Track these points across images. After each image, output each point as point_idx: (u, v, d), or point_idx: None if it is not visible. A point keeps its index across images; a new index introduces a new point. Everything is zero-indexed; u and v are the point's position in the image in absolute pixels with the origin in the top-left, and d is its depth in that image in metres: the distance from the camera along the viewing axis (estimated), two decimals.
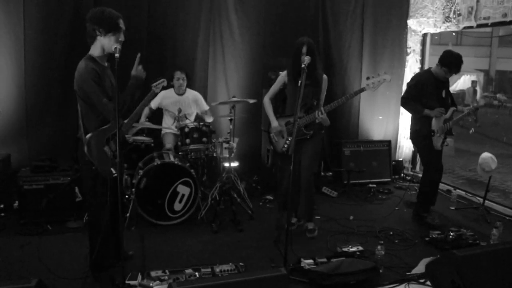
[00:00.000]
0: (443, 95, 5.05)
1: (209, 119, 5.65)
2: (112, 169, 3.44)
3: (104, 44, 3.47)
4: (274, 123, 4.67)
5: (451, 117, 5.00)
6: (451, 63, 4.93)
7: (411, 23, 7.18)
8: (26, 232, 4.61)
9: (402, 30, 7.25)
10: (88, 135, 3.42)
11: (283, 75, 4.71)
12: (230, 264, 3.78)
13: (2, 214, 5.06)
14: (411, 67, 7.28)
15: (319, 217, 5.18)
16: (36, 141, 5.81)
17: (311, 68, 4.19)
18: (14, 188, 5.05)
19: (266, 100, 4.77)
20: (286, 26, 6.68)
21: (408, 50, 7.31)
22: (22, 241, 4.39)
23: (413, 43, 7.26)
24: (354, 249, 4.17)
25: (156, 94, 4.01)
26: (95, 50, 3.52)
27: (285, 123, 4.61)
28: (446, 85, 5.11)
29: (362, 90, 4.33)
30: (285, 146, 4.58)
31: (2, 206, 5.12)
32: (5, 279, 3.63)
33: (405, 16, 7.23)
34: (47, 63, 5.81)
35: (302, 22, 6.77)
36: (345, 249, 4.16)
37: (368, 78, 4.30)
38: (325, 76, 4.57)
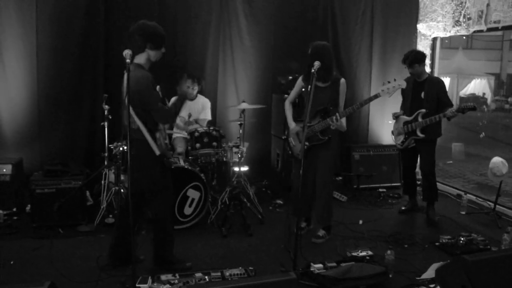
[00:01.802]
0: (422, 96, 5.13)
1: (200, 126, 5.58)
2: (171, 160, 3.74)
3: (151, 55, 3.71)
4: (292, 126, 4.72)
5: (415, 118, 5.08)
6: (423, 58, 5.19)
7: (420, 27, 7.17)
8: (38, 236, 4.66)
9: (411, 34, 7.23)
10: (157, 134, 3.73)
11: (300, 79, 4.73)
12: (240, 268, 3.78)
13: (15, 218, 5.11)
14: None
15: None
16: (48, 145, 5.87)
17: (327, 71, 4.27)
18: (27, 192, 5.12)
19: (287, 103, 4.84)
20: (295, 31, 6.72)
21: None
22: (34, 244, 4.44)
23: (422, 47, 7.24)
24: (363, 253, 4.15)
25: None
26: (141, 59, 3.69)
27: (303, 127, 4.61)
28: (425, 85, 5.16)
29: (377, 96, 4.34)
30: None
31: (14, 209, 5.17)
32: (18, 282, 3.66)
33: (415, 20, 7.22)
34: (59, 68, 5.88)
35: (311, 27, 6.80)
36: (354, 254, 4.15)
37: (383, 84, 4.32)
38: (342, 80, 4.53)
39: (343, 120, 4.45)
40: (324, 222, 4.73)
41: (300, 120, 4.72)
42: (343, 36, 6.94)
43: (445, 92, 5.23)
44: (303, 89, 4.72)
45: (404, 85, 4.28)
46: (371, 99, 4.45)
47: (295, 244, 3.67)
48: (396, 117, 5.42)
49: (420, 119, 5.05)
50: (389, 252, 3.97)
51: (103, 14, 5.96)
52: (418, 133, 5.08)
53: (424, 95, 5.12)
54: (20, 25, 5.68)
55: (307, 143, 4.50)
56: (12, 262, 4.05)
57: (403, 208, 5.69)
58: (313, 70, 3.92)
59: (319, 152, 4.55)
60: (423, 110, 5.04)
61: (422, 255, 4.34)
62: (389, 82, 4.28)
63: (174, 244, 4.00)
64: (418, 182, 5.80)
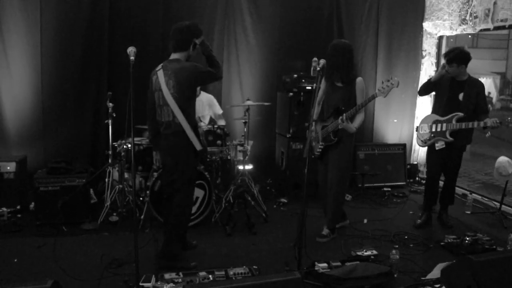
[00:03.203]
0: (460, 97, 4.81)
1: (221, 123, 5.67)
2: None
3: (191, 53, 3.97)
4: (312, 127, 4.71)
5: (450, 120, 4.77)
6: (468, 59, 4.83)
7: (426, 25, 7.13)
8: (41, 233, 4.66)
9: (417, 33, 7.19)
10: (199, 130, 3.92)
11: (323, 79, 4.71)
12: (244, 267, 3.76)
13: (19, 215, 5.11)
14: (426, 70, 7.23)
15: (347, 222, 5.05)
16: (52, 143, 5.88)
17: (344, 71, 4.38)
18: (30, 190, 5.14)
19: (314, 104, 4.80)
20: (300, 29, 6.69)
21: (424, 53, 7.26)
22: (38, 242, 4.44)
23: (428, 46, 7.21)
24: (368, 253, 4.14)
25: None
26: (181, 57, 3.90)
27: (321, 127, 4.63)
28: (465, 87, 4.83)
29: (374, 96, 4.30)
30: (319, 150, 4.63)
31: (18, 207, 5.17)
32: (21, 280, 3.66)
33: (421, 18, 7.18)
34: (63, 66, 5.89)
35: (316, 25, 6.77)
36: (359, 253, 4.13)
37: (382, 83, 4.25)
38: (359, 79, 4.47)
39: (359, 120, 4.43)
40: (328, 223, 4.72)
41: (319, 120, 4.74)
42: (349, 34, 6.89)
43: (485, 96, 4.92)
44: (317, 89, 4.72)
45: (396, 84, 4.11)
46: (370, 99, 4.34)
47: (300, 243, 3.66)
48: None
49: (454, 122, 4.74)
50: (394, 251, 3.94)
51: (107, 13, 5.95)
52: (447, 135, 4.78)
53: (462, 97, 4.80)
54: (24, 24, 5.69)
55: (323, 143, 4.57)
56: (15, 260, 4.05)
57: (419, 221, 5.15)
58: (318, 69, 3.91)
59: (331, 153, 4.57)
60: (461, 114, 4.72)
61: (427, 255, 4.31)
62: (388, 80, 4.18)
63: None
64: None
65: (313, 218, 5.08)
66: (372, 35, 7.07)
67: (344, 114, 4.33)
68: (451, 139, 4.77)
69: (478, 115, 4.74)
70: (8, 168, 5.16)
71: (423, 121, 5.12)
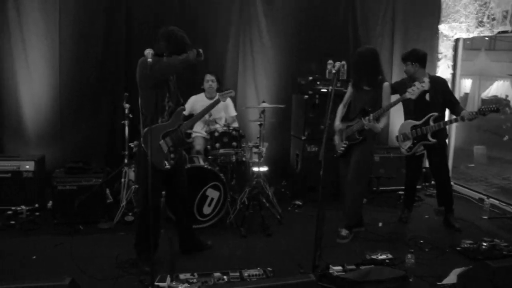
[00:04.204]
0: (427, 98, 4.86)
1: (234, 125, 5.66)
2: (165, 161, 3.73)
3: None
4: (336, 122, 4.86)
5: (426, 122, 4.84)
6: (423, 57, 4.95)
7: (442, 28, 7.08)
8: (59, 232, 4.73)
9: (433, 35, 7.15)
10: (146, 129, 3.75)
11: (350, 84, 4.87)
12: (259, 268, 3.77)
13: (37, 213, 5.17)
14: (443, 73, 7.17)
15: (363, 229, 4.97)
16: (69, 142, 5.95)
17: (371, 76, 4.52)
18: (49, 189, 5.19)
19: (340, 107, 4.93)
20: (316, 32, 6.69)
21: (440, 56, 7.21)
22: (55, 240, 4.51)
23: (444, 48, 7.16)
24: (383, 256, 4.12)
25: (218, 102, 4.33)
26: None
27: (346, 127, 4.75)
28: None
29: (403, 98, 4.44)
30: (342, 148, 4.73)
31: (37, 205, 5.24)
32: (40, 277, 3.71)
33: (437, 21, 7.13)
34: (81, 66, 5.96)
35: (332, 28, 6.77)
36: (374, 257, 4.12)
37: (413, 85, 4.35)
38: (386, 83, 4.59)
39: (384, 121, 4.58)
40: (348, 221, 4.74)
41: (344, 120, 4.83)
42: (364, 36, 6.88)
43: (450, 90, 5.08)
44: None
45: (427, 86, 4.28)
46: (399, 100, 4.53)
47: (315, 245, 3.66)
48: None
49: (431, 123, 4.81)
50: (409, 255, 3.93)
51: (124, 14, 6.01)
52: (429, 138, 4.84)
53: (429, 97, 4.87)
54: (44, 25, 5.78)
55: (346, 142, 4.69)
56: (34, 257, 4.12)
57: (402, 218, 5.36)
58: (334, 71, 4.01)
59: (354, 152, 4.65)
60: (435, 114, 4.80)
61: (443, 260, 4.27)
62: (413, 84, 4.31)
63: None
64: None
65: (329, 221, 5.07)
66: (388, 38, 7.04)
67: (372, 114, 4.44)
68: (434, 140, 4.84)
69: (454, 110, 4.89)
70: (27, 167, 5.24)
71: (401, 130, 5.15)
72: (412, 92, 4.32)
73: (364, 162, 4.65)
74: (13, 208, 5.08)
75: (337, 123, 4.86)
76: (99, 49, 5.99)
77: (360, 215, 4.85)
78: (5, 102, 5.79)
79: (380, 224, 5.21)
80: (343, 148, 4.72)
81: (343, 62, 5.74)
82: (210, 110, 4.43)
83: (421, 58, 4.95)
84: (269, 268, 3.80)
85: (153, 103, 3.73)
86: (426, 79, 4.36)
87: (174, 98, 3.89)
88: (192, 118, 4.19)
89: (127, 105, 5.18)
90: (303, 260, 4.04)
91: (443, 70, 7.18)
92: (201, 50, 3.95)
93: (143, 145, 3.75)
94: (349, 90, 4.86)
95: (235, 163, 5.35)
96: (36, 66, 5.82)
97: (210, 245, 4.39)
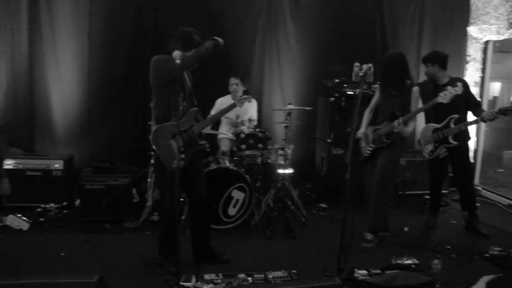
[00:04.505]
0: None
1: (249, 126, 5.65)
2: (174, 161, 3.56)
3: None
4: (361, 129, 4.82)
5: (447, 125, 4.77)
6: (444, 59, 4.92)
7: (471, 30, 6.97)
8: (86, 230, 4.81)
9: (462, 37, 7.04)
10: (155, 127, 3.72)
11: (378, 88, 4.86)
12: (283, 271, 3.77)
13: (65, 211, 5.27)
14: (471, 76, 7.06)
15: (388, 233, 4.88)
16: (97, 142, 6.06)
17: (399, 80, 4.49)
18: (77, 187, 5.31)
19: (367, 111, 4.91)
20: (342, 34, 6.67)
21: (468, 58, 7.10)
22: (82, 238, 4.59)
23: (473, 51, 7.04)
24: (409, 261, 4.05)
25: (234, 107, 4.24)
26: None
27: (372, 130, 4.72)
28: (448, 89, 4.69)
29: (434, 102, 4.37)
30: (368, 152, 4.71)
31: (65, 203, 5.35)
32: (68, 273, 3.79)
33: (466, 23, 7.02)
34: (109, 67, 6.06)
35: (359, 30, 6.73)
36: (399, 261, 4.06)
37: (446, 89, 4.31)
38: (415, 88, 4.57)
39: (411, 125, 4.53)
40: (372, 225, 4.70)
41: (372, 124, 4.81)
42: (391, 38, 6.82)
43: (471, 92, 5.00)
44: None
45: (460, 91, 4.23)
46: (429, 105, 4.45)
47: (343, 249, 3.63)
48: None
49: (452, 125, 4.74)
50: (436, 261, 3.87)
51: (152, 17, 6.09)
52: (451, 140, 4.78)
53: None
54: (74, 26, 5.91)
55: (373, 145, 4.66)
56: (62, 254, 4.20)
57: (428, 223, 5.31)
58: (361, 74, 3.98)
59: (381, 155, 4.62)
60: (456, 116, 4.73)
61: (471, 267, 4.19)
62: (446, 88, 4.27)
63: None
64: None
65: (355, 224, 5.03)
66: (415, 40, 6.96)
67: (401, 118, 4.40)
68: (455, 143, 4.78)
69: (475, 112, 4.81)
70: (56, 165, 5.35)
71: (422, 134, 5.08)
72: (444, 97, 4.26)
73: (391, 165, 4.61)
74: (42, 205, 5.18)
75: (362, 130, 4.81)
76: (127, 50, 6.09)
77: (386, 219, 4.80)
78: (36, 102, 5.94)
79: (406, 229, 5.15)
80: (369, 151, 4.69)
81: (370, 65, 5.71)
82: (225, 114, 4.44)
83: (441, 60, 4.90)
84: (293, 271, 3.79)
85: (166, 103, 3.72)
86: (459, 84, 4.30)
87: (188, 98, 3.87)
88: (206, 120, 4.11)
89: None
90: (328, 263, 4.02)
91: (472, 73, 7.07)
92: (219, 39, 3.97)
93: (152, 144, 3.75)
94: (376, 95, 4.84)
95: (260, 165, 5.35)
96: (66, 67, 5.94)
97: (229, 259, 4.16)
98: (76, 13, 5.90)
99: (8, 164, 5.29)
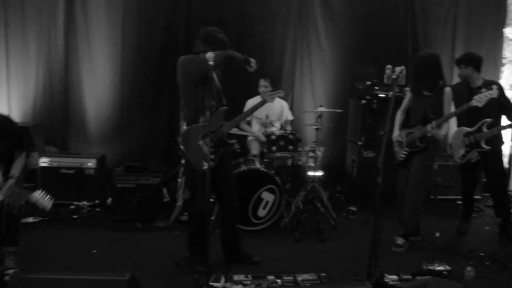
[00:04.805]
0: None
1: (288, 129, 5.63)
2: (204, 163, 3.57)
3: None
4: (394, 133, 4.74)
5: (479, 129, 4.62)
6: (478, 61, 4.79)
7: (508, 31, 6.81)
8: (117, 228, 4.89)
9: (497, 39, 6.88)
10: (184, 129, 3.75)
11: (409, 89, 4.77)
12: (312, 274, 3.74)
13: (97, 209, 5.37)
14: (507, 78, 6.89)
15: (419, 238, 4.83)
16: (129, 142, 6.16)
17: (431, 81, 4.42)
18: (109, 186, 5.39)
19: (398, 113, 4.83)
20: (374, 36, 6.60)
21: (504, 61, 6.93)
22: (114, 236, 4.66)
23: (510, 53, 6.88)
24: (441, 268, 3.96)
25: (265, 103, 4.16)
26: None
27: (406, 133, 4.63)
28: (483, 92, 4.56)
29: (469, 105, 4.26)
30: (402, 156, 4.62)
31: (97, 201, 5.45)
32: (100, 270, 3.81)
33: (501, 24, 6.86)
34: (141, 67, 6.16)
35: (390, 31, 6.66)
36: (431, 267, 3.98)
37: (481, 92, 4.23)
38: (447, 89, 4.48)
39: (445, 128, 4.45)
40: (405, 229, 4.63)
41: (404, 127, 4.72)
42: (424, 40, 6.72)
43: (506, 96, 4.86)
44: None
45: (495, 94, 4.13)
46: (464, 108, 4.33)
47: (373, 253, 3.60)
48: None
49: (485, 130, 4.60)
50: (469, 268, 3.78)
51: (184, 17, 6.16)
52: (483, 145, 4.63)
53: None
54: (108, 27, 6.03)
55: (407, 149, 4.57)
56: (94, 251, 4.28)
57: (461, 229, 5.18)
58: (394, 76, 3.91)
59: (415, 159, 4.54)
60: (488, 120, 4.58)
61: (507, 275, 4.07)
62: (480, 92, 4.19)
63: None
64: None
65: (385, 228, 4.97)
66: (448, 41, 6.83)
67: (434, 122, 4.31)
68: (488, 147, 4.62)
69: (509, 116, 4.71)
70: (89, 164, 5.46)
71: (454, 137, 4.93)
72: (479, 100, 4.15)
73: (425, 170, 4.54)
74: (75, 203, 5.31)
75: (396, 133, 4.72)
76: (160, 51, 6.18)
77: (418, 224, 4.72)
78: (71, 102, 6.09)
79: (438, 234, 5.05)
80: (403, 155, 4.61)
81: (403, 67, 5.62)
82: (255, 111, 4.39)
83: (475, 62, 4.79)
84: (323, 274, 3.76)
85: (194, 103, 3.74)
86: (495, 87, 4.20)
87: (217, 98, 3.85)
88: (235, 119, 4.05)
89: None
90: (358, 267, 3.97)
91: (508, 75, 6.91)
92: (252, 60, 3.93)
93: (181, 145, 3.77)
94: (408, 96, 4.75)
95: (290, 167, 5.35)
96: (99, 67, 6.07)
97: (258, 261, 4.14)
98: (110, 14, 6.03)
99: (44, 162, 5.42)
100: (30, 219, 4.76)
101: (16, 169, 3.70)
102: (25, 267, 3.78)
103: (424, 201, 4.93)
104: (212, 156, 3.67)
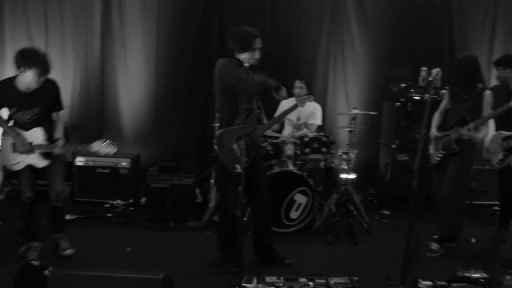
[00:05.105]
0: None
1: (309, 132, 5.59)
2: (237, 165, 3.61)
3: (243, 58, 3.76)
4: (432, 130, 4.66)
5: None
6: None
7: None
8: (151, 227, 4.96)
9: None
10: (219, 131, 3.76)
11: (447, 92, 4.71)
12: (345, 277, 3.71)
13: (131, 208, 5.45)
14: None
15: (454, 244, 4.70)
16: (163, 142, 6.26)
17: (469, 84, 4.35)
18: (142, 185, 5.48)
19: (436, 114, 4.74)
20: (409, 38, 6.51)
21: None
22: (147, 235, 4.73)
23: None
24: (477, 275, 3.85)
25: (296, 107, 4.16)
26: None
27: (442, 136, 4.55)
28: None
29: (509, 106, 4.20)
30: (437, 158, 4.54)
31: (131, 200, 5.53)
32: (133, 269, 3.84)
33: None
34: (175, 70, 6.25)
35: (425, 33, 6.53)
36: (466, 274, 3.89)
37: None
38: (487, 92, 4.37)
39: (483, 131, 4.36)
40: (441, 233, 4.55)
41: (441, 129, 4.62)
42: (460, 42, 6.57)
43: None
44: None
45: None
46: (502, 109, 4.25)
47: (407, 258, 3.54)
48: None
49: None
50: (508, 277, 3.67)
51: (217, 21, 6.21)
52: None
53: None
54: (143, 31, 6.17)
55: (442, 152, 4.49)
56: (128, 250, 4.35)
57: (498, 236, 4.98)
58: (431, 78, 3.87)
59: (451, 163, 4.45)
60: None
61: None
62: None
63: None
64: None
65: (419, 233, 4.88)
66: (486, 43, 6.66)
67: (472, 124, 4.22)
68: None
69: None
70: (124, 164, 5.55)
71: (491, 141, 4.78)
72: None
73: (462, 173, 4.43)
74: (110, 201, 5.42)
75: (434, 130, 4.65)
76: (193, 54, 6.27)
77: (457, 230, 4.61)
78: (107, 103, 6.23)
79: (473, 240, 4.93)
80: (438, 158, 4.52)
81: (439, 69, 5.55)
82: (287, 115, 4.40)
83: None
84: (355, 278, 3.72)
85: (229, 106, 3.75)
86: None
87: (252, 100, 3.86)
88: (268, 122, 4.10)
89: None
90: (391, 272, 3.91)
91: None
92: (283, 88, 3.93)
93: (216, 147, 3.80)
94: (446, 98, 4.66)
95: (323, 169, 5.32)
96: (134, 69, 6.18)
97: (290, 264, 4.13)
98: (145, 18, 6.15)
99: (80, 161, 5.54)
100: (67, 217, 4.86)
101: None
102: (61, 263, 3.88)
103: (463, 205, 4.81)
104: (245, 159, 3.67)
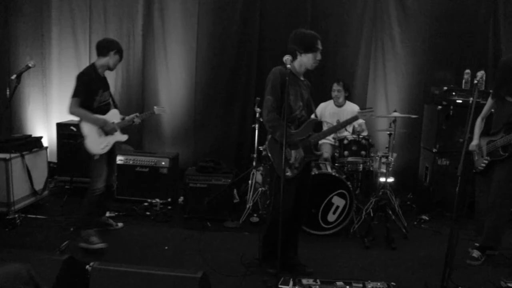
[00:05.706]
0: None
1: (364, 133, 5.58)
2: (288, 169, 3.64)
3: (303, 61, 3.77)
4: (474, 141, 4.53)
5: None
6: None
7: None
8: (188, 226, 5.02)
9: None
10: (271, 136, 3.78)
11: (490, 96, 4.56)
12: (382, 282, 3.65)
13: (169, 207, 5.54)
14: None
15: (497, 252, 4.54)
16: (201, 143, 6.34)
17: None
18: (181, 185, 5.56)
19: (478, 119, 4.61)
20: (451, 40, 6.36)
21: None
22: (185, 234, 4.79)
23: None
24: None
25: (356, 119, 4.10)
26: (295, 64, 3.81)
27: (486, 142, 4.40)
28: None
29: None
30: (482, 165, 4.38)
31: (169, 199, 5.60)
32: (171, 266, 3.94)
33: None
34: (215, 72, 6.32)
35: (469, 35, 6.37)
36: (510, 284, 3.78)
37: None
38: None
39: None
40: (482, 241, 4.40)
41: (485, 134, 4.49)
42: (507, 46, 6.38)
43: None
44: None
45: None
46: None
47: (445, 265, 3.47)
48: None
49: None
50: None
51: (257, 25, 6.25)
52: None
53: None
54: (183, 32, 6.25)
55: (488, 158, 4.34)
56: (166, 248, 4.41)
57: None
58: (475, 81, 3.75)
59: (498, 170, 4.29)
60: None
61: None
62: None
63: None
64: None
65: (460, 240, 4.77)
66: None
67: None
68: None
69: None
70: (163, 163, 5.63)
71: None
72: None
73: (509, 181, 4.27)
74: (148, 200, 5.52)
75: (475, 142, 4.49)
76: (233, 56, 6.31)
77: (500, 238, 4.47)
78: (147, 102, 6.34)
79: None
80: (484, 165, 4.37)
81: (483, 72, 5.39)
82: (346, 126, 4.36)
83: None
84: (392, 283, 3.66)
85: (283, 112, 3.65)
86: None
87: (306, 108, 3.86)
88: (325, 131, 4.12)
89: (258, 109, 5.33)
90: (429, 278, 3.86)
91: None
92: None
93: (267, 150, 3.80)
94: (489, 102, 4.51)
95: (362, 172, 5.27)
96: (174, 71, 6.29)
97: (311, 272, 3.99)
98: (186, 20, 6.25)
99: (120, 159, 5.65)
100: (107, 214, 4.97)
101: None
102: (101, 259, 3.97)
103: (508, 214, 4.66)
104: (297, 165, 3.71)
